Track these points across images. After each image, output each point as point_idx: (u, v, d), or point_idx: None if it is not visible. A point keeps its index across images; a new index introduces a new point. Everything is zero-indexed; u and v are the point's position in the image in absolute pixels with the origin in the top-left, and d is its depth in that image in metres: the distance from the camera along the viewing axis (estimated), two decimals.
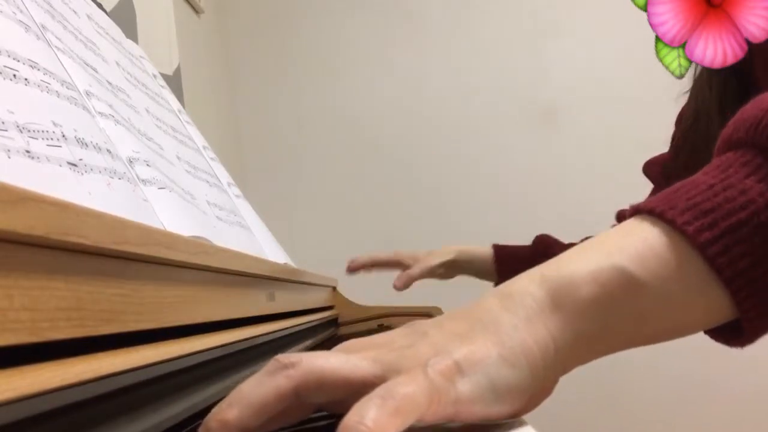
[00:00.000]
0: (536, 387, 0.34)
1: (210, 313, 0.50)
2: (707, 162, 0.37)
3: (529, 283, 0.36)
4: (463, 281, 2.03)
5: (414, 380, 0.31)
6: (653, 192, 0.93)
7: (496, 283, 1.05)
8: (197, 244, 0.48)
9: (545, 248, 1.14)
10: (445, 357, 0.33)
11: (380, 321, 1.40)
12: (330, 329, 1.27)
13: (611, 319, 0.35)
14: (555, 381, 0.36)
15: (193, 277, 0.47)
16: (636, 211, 0.37)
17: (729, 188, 0.34)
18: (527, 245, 1.21)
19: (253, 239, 0.89)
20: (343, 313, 1.41)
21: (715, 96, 0.72)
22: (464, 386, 0.33)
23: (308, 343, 0.96)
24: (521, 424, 0.37)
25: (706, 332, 0.39)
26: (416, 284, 2.04)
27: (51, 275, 0.27)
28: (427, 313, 1.44)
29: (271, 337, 0.70)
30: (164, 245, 0.40)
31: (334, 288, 1.42)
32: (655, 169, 0.93)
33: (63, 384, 0.26)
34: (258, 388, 0.32)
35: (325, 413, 0.40)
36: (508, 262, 1.18)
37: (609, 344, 0.36)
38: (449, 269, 1.26)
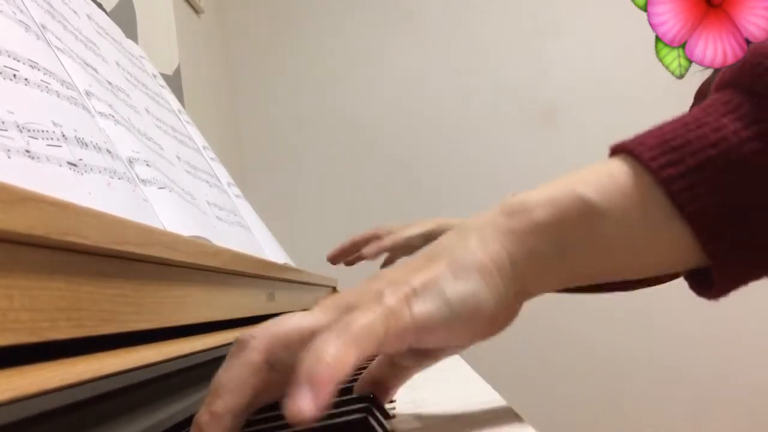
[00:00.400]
0: (496, 302, 0.34)
1: (210, 313, 0.50)
2: None
3: (489, 212, 0.36)
4: None
5: (368, 311, 0.31)
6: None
7: None
8: (197, 244, 0.48)
9: None
10: (401, 285, 0.33)
11: None
12: None
13: (568, 241, 0.34)
14: (519, 301, 0.35)
15: (193, 277, 0.47)
16: (612, 150, 0.36)
17: (703, 126, 0.33)
18: None
19: (253, 239, 0.89)
20: None
21: None
22: (419, 306, 0.33)
23: None
24: (520, 422, 0.37)
25: (685, 279, 0.37)
26: None
27: (51, 275, 0.27)
28: None
29: None
30: (164, 245, 0.40)
31: (334, 288, 1.42)
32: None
33: (63, 384, 0.26)
34: (230, 371, 0.33)
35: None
36: None
37: (571, 269, 0.35)
38: (427, 241, 1.14)
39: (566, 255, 0.34)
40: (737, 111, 0.33)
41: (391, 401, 0.50)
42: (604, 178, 0.34)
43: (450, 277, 0.33)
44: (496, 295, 0.34)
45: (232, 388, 0.32)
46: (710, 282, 0.35)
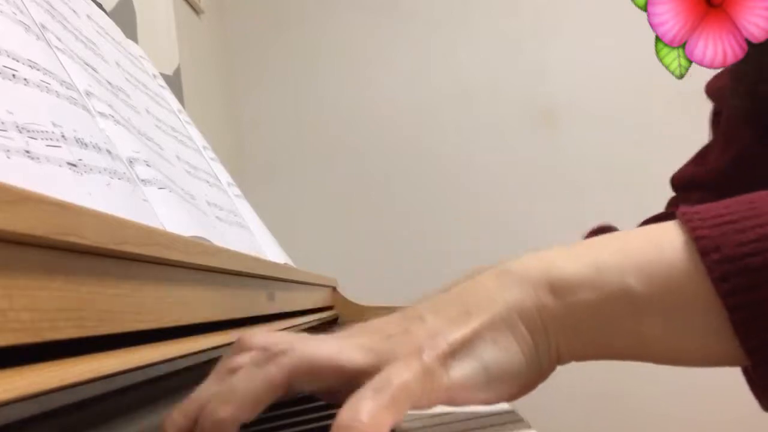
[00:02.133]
0: (530, 372, 0.34)
1: (210, 313, 0.50)
2: None
3: (535, 265, 0.35)
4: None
5: (407, 368, 0.31)
6: (714, 115, 0.84)
7: None
8: (197, 244, 0.48)
9: None
10: (439, 341, 0.32)
11: None
12: (330, 329, 1.27)
13: (609, 329, 0.33)
14: (551, 368, 0.35)
15: (192, 277, 0.47)
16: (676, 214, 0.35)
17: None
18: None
19: (253, 239, 0.89)
20: (343, 313, 1.41)
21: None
22: (457, 371, 0.32)
23: None
24: (520, 422, 0.37)
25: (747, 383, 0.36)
26: (415, 285, 2.04)
27: (51, 275, 0.27)
28: None
29: None
30: (164, 245, 0.40)
31: (334, 288, 1.42)
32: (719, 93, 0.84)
33: (63, 384, 0.26)
34: (250, 382, 0.31)
35: (321, 408, 0.40)
36: None
37: (606, 350, 0.35)
38: None
39: (604, 339, 0.34)
40: None
41: None
42: (654, 255, 0.33)
43: (489, 340, 0.33)
44: (532, 365, 0.34)
45: (245, 399, 0.31)
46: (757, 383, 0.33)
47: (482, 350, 0.33)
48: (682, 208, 0.34)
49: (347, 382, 0.31)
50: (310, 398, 0.47)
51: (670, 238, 0.33)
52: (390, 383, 0.30)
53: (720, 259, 0.31)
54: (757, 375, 0.32)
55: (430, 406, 0.32)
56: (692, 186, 0.81)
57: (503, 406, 0.44)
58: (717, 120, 0.78)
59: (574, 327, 0.34)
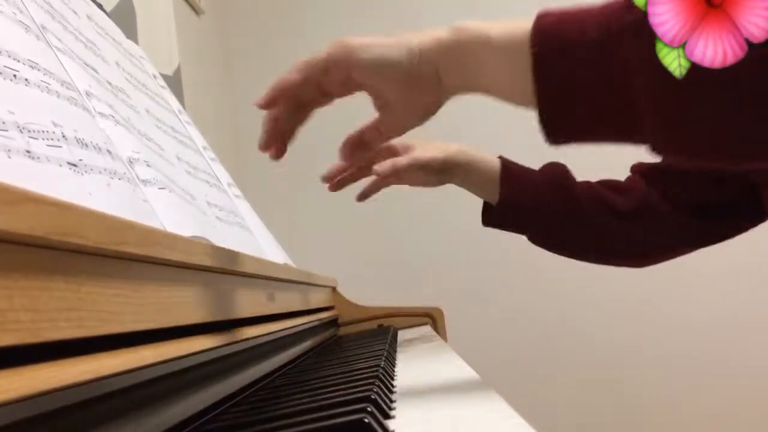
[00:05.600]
0: (405, 64, 0.55)
1: (210, 313, 0.50)
2: None
3: (463, 21, 0.56)
4: (462, 281, 2.03)
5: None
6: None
7: (497, 200, 0.92)
8: (197, 244, 0.48)
9: (557, 178, 0.94)
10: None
11: (380, 321, 1.40)
12: (330, 329, 1.27)
13: (470, 61, 0.54)
14: (430, 83, 0.55)
15: (192, 277, 0.47)
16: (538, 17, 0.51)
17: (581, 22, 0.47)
18: (536, 170, 0.97)
19: (253, 239, 0.89)
20: (343, 314, 1.41)
21: None
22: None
23: (308, 343, 0.96)
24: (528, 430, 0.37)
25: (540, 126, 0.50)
26: (415, 285, 2.04)
27: (51, 275, 0.27)
28: (427, 314, 1.44)
29: (271, 337, 0.70)
30: (164, 246, 0.40)
31: (334, 288, 1.42)
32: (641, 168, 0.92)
33: (62, 384, 0.26)
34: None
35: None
36: (515, 178, 0.95)
37: (469, 82, 0.55)
38: (443, 169, 0.95)
39: (467, 69, 0.54)
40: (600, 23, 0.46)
41: (392, 402, 0.49)
42: (513, 25, 0.52)
43: (395, 45, 0.55)
44: (406, 59, 0.54)
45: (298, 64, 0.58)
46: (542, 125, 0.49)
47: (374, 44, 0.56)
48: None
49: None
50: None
51: (528, 21, 0.51)
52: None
53: (537, 26, 0.49)
54: (542, 98, 0.48)
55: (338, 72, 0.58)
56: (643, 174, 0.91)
57: (508, 410, 0.44)
58: None
59: (453, 58, 0.54)
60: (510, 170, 0.94)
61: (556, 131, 0.49)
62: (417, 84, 0.55)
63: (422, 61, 0.54)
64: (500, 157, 0.97)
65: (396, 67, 0.55)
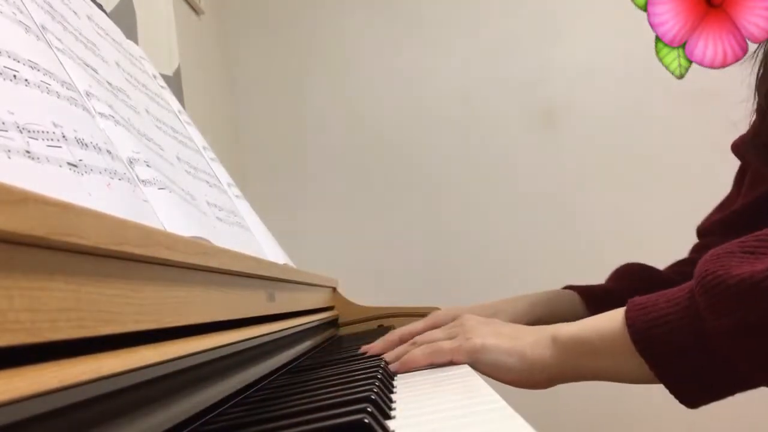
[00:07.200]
0: (519, 369, 0.65)
1: (210, 313, 0.50)
2: None
3: (557, 329, 0.66)
4: (461, 281, 2.03)
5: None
6: (740, 170, 0.88)
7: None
8: (197, 244, 0.48)
9: (631, 280, 0.95)
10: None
11: (380, 321, 1.40)
12: (330, 330, 1.27)
13: (581, 362, 0.63)
14: (546, 380, 0.66)
15: (192, 277, 0.47)
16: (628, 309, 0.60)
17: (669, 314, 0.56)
18: (607, 284, 0.98)
19: (253, 239, 0.89)
20: (344, 314, 1.41)
21: None
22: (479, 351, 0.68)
23: (308, 343, 0.96)
24: (524, 427, 0.37)
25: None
26: (415, 286, 2.05)
27: (51, 275, 0.27)
28: (426, 314, 1.44)
29: (271, 337, 0.70)
30: (164, 246, 0.40)
31: (334, 288, 1.42)
32: (741, 149, 0.84)
33: (62, 385, 0.26)
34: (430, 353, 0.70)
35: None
36: (598, 303, 0.94)
37: (581, 375, 0.64)
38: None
39: (578, 370, 0.63)
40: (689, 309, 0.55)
41: (392, 402, 0.49)
42: (606, 323, 0.61)
43: (499, 343, 0.67)
44: (519, 366, 0.66)
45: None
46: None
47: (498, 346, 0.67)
48: (629, 302, 0.59)
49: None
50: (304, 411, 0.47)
51: (616, 316, 0.60)
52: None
53: (631, 326, 0.57)
54: (665, 383, 0.56)
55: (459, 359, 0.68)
56: (712, 232, 0.90)
57: (505, 408, 0.44)
58: (742, 176, 0.84)
59: (566, 370, 0.64)
60: (591, 300, 0.98)
61: (690, 403, 0.59)
62: (528, 381, 0.66)
63: (534, 369, 0.64)
64: (574, 289, 1.01)
65: (510, 371, 0.65)
